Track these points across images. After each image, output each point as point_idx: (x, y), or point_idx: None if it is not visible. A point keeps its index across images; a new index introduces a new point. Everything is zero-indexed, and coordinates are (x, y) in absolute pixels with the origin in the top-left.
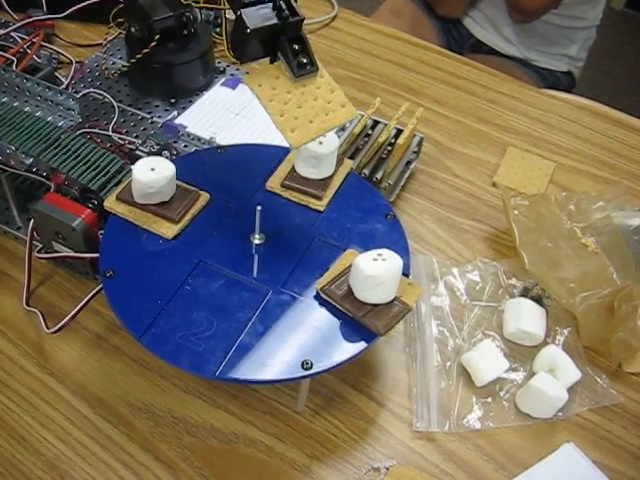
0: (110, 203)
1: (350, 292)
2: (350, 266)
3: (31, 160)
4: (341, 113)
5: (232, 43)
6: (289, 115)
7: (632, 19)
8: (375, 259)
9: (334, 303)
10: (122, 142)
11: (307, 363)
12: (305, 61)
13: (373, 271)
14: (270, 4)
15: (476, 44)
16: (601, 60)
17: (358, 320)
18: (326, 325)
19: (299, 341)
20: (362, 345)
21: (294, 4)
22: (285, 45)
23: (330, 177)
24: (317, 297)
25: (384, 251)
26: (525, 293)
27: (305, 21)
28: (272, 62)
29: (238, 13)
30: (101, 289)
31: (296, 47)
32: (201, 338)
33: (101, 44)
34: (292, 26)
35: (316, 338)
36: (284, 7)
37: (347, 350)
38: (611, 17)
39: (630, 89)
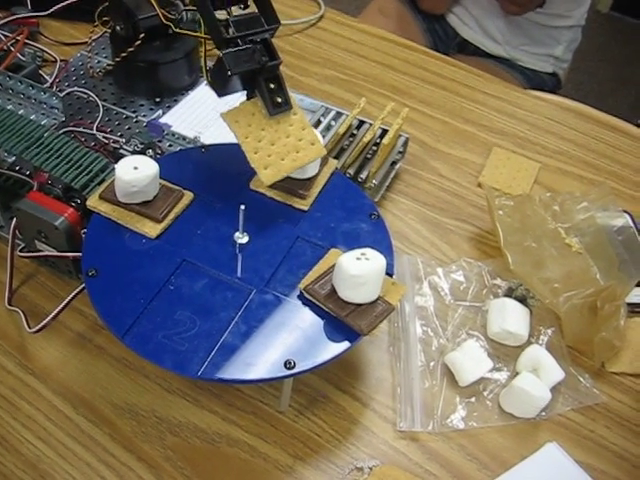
0: (93, 202)
1: (333, 291)
2: (334, 265)
3: (14, 158)
4: (311, 151)
5: (212, 78)
6: (263, 152)
7: (618, 22)
8: (358, 258)
9: (317, 303)
10: (106, 141)
11: (290, 363)
12: (280, 100)
13: (356, 270)
14: (250, 45)
15: (462, 44)
16: (587, 62)
17: (341, 320)
18: (309, 325)
19: (282, 341)
20: (345, 345)
21: (273, 48)
22: (262, 84)
23: (315, 177)
24: (300, 297)
25: (368, 250)
26: (509, 293)
27: (292, 21)
28: (249, 98)
29: (220, 54)
30: (84, 288)
31: (272, 86)
32: (184, 337)
33: (86, 42)
34: (270, 68)
35: (299, 338)
36: (264, 52)
37: (330, 350)
38: (597, 20)
39: (615, 91)
